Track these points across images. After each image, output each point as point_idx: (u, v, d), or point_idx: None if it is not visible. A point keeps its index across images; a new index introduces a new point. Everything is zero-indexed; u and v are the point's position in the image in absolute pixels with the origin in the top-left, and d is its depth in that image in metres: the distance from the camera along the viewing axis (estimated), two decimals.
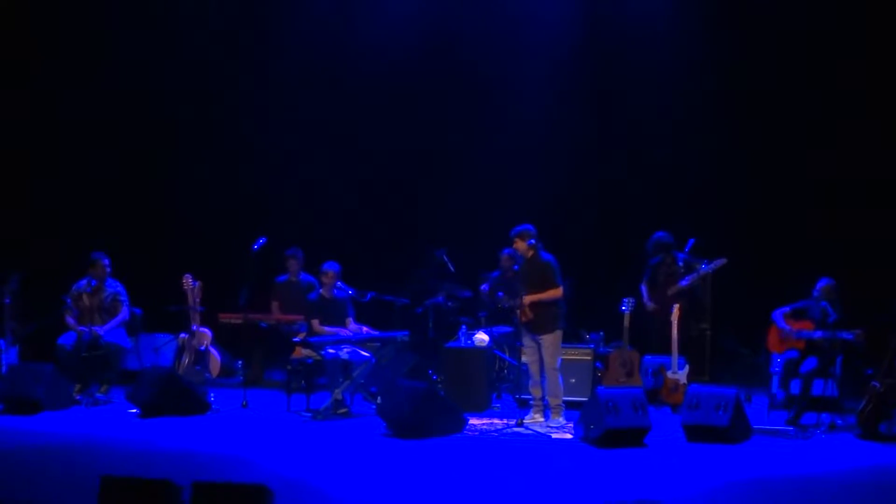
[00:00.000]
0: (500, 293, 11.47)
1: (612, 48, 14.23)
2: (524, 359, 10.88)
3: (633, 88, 14.20)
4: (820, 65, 13.43)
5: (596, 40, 14.24)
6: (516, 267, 11.58)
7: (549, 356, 10.63)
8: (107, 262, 12.05)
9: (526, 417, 10.67)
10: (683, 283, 12.09)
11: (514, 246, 10.79)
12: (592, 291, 12.75)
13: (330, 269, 11.79)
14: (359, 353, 11.34)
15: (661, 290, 12.19)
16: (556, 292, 10.59)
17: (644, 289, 12.29)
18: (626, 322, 11.62)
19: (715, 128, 13.91)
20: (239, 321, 12.17)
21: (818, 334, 10.90)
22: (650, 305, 12.23)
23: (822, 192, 13.45)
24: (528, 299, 10.50)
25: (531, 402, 10.95)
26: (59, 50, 14.66)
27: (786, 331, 11.14)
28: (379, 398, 10.99)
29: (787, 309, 11.25)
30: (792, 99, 13.57)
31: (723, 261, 12.08)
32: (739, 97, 13.85)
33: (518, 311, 10.72)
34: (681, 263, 12.24)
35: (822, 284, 11.10)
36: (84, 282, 12.04)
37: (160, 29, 14.63)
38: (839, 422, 10.58)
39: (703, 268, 12.17)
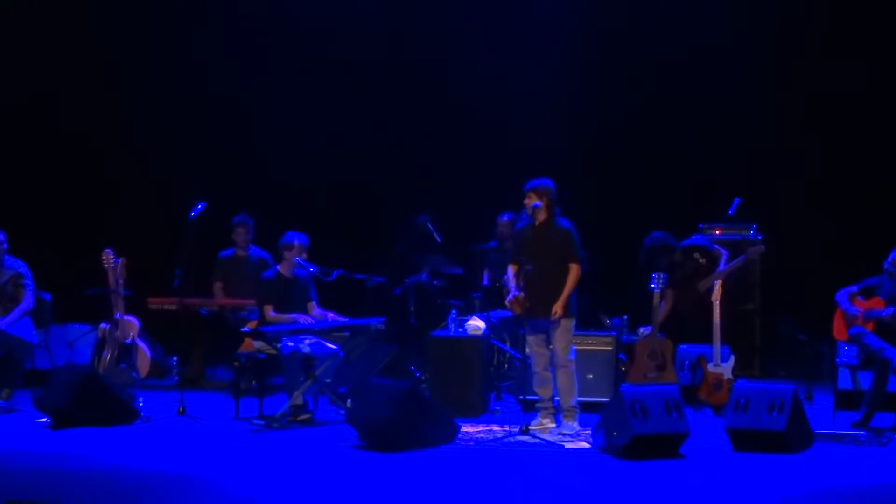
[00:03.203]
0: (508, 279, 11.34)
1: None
2: (529, 350, 10.84)
3: (661, 25, 14.64)
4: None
5: None
6: None
7: (561, 347, 10.61)
8: (2, 236, 12.02)
9: (532, 423, 10.68)
10: (719, 269, 12.23)
11: (525, 202, 10.66)
12: (613, 266, 12.88)
13: (295, 242, 11.66)
14: (323, 345, 11.34)
15: (689, 291, 12.27)
16: (575, 272, 10.58)
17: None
18: (656, 303, 11.62)
19: (762, 79, 14.44)
20: (173, 307, 12.11)
21: (888, 311, 10.99)
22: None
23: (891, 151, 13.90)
24: (558, 306, 10.50)
25: (538, 404, 10.89)
26: None
27: (852, 313, 11.17)
28: (349, 401, 10.92)
29: (853, 288, 11.28)
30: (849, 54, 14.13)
31: (760, 248, 12.44)
32: (795, 50, 14.40)
33: (512, 301, 10.72)
34: (696, 255, 12.46)
35: None
36: None
37: None
38: None
39: (738, 259, 12.36)
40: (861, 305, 11.18)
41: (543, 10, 14.73)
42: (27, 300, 12.03)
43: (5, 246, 12.02)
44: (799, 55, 14.28)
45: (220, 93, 14.97)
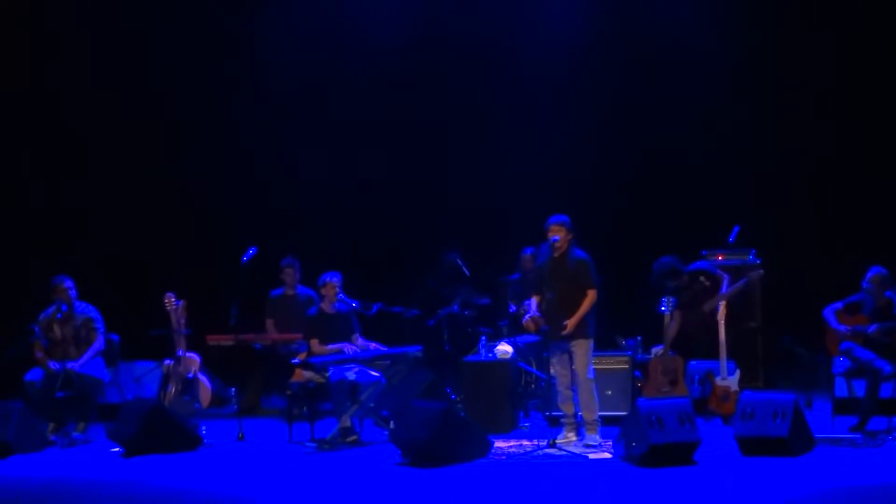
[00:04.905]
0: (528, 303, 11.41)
1: (646, 14, 14.72)
2: (553, 371, 10.95)
3: (669, 63, 14.58)
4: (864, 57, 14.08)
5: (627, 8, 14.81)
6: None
7: (581, 366, 10.74)
8: (69, 284, 12.04)
9: (558, 437, 10.80)
10: (723, 291, 12.21)
11: (551, 233, 10.77)
12: (627, 291, 12.86)
13: (330, 280, 11.74)
14: (367, 372, 11.42)
15: (695, 311, 12.27)
16: (591, 296, 10.70)
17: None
18: (667, 323, 11.71)
19: (771, 105, 14.41)
20: (230, 343, 12.08)
21: (873, 328, 11.01)
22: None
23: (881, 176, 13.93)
24: (571, 323, 10.62)
25: (563, 419, 11.03)
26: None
27: (840, 331, 11.22)
28: (392, 423, 11.08)
29: (839, 305, 11.34)
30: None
31: (760, 272, 12.48)
32: (788, 72, 14.35)
33: (528, 321, 10.92)
34: (702, 278, 12.40)
35: (873, 274, 11.15)
36: (52, 308, 12.07)
37: (142, 25, 14.99)
38: None
39: (740, 283, 12.33)
40: (847, 321, 11.21)
41: (566, 56, 14.63)
42: (98, 342, 12.05)
43: (73, 293, 12.00)
44: (797, 97, 14.28)
45: (268, 150, 15.05)
